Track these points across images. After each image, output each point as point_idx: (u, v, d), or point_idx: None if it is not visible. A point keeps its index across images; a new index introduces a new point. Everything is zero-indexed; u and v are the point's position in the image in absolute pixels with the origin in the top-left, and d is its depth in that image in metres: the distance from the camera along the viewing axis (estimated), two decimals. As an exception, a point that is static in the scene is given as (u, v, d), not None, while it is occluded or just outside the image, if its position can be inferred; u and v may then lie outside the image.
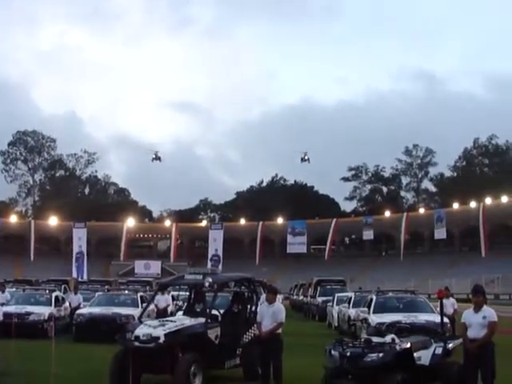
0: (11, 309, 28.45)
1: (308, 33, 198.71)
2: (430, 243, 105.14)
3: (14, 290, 36.58)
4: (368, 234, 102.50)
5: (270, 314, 16.10)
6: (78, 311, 29.67)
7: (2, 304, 25.53)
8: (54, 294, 32.26)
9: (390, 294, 27.92)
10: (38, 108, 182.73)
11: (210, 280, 16.67)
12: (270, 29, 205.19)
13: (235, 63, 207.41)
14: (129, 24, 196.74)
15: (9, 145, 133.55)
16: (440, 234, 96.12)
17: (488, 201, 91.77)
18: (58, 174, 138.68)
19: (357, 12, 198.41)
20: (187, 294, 19.88)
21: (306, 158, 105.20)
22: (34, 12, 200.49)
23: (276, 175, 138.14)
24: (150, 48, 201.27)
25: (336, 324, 34.43)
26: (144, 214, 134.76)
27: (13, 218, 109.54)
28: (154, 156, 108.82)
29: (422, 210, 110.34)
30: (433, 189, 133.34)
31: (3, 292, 31.78)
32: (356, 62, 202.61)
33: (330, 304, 38.17)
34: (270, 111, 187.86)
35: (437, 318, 20.40)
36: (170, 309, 28.92)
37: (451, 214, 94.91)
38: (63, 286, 41.06)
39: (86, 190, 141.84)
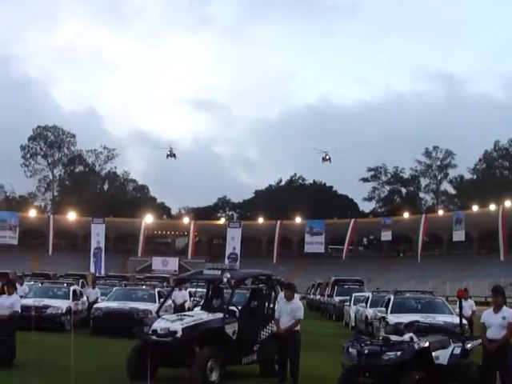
0: (29, 301, 28.56)
1: (328, 32, 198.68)
2: (448, 245, 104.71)
3: (32, 283, 36.77)
4: (386, 235, 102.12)
5: (289, 310, 16.11)
6: (96, 305, 29.76)
7: (21, 297, 25.64)
8: (71, 288, 32.37)
9: (408, 294, 27.84)
10: (57, 104, 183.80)
11: (229, 275, 16.65)
12: (290, 28, 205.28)
13: (255, 61, 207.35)
14: (148, 21, 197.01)
15: (29, 139, 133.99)
16: (458, 236, 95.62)
17: (508, 204, 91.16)
18: (77, 170, 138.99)
19: (377, 12, 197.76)
20: (204, 290, 19.92)
21: (328, 157, 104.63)
22: (52, 9, 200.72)
23: (295, 174, 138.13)
24: (170, 45, 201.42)
25: (353, 324, 34.37)
26: (162, 210, 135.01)
27: (32, 213, 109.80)
28: (168, 152, 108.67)
29: (440, 212, 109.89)
30: (452, 191, 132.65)
31: (21, 285, 31.90)
32: (376, 62, 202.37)
33: (348, 304, 38.10)
34: (289, 110, 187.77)
35: (455, 319, 20.29)
36: (187, 305, 28.99)
37: (470, 217, 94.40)
38: (81, 281, 41.20)
39: (105, 186, 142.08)
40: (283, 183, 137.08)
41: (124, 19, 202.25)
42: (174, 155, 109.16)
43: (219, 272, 17.11)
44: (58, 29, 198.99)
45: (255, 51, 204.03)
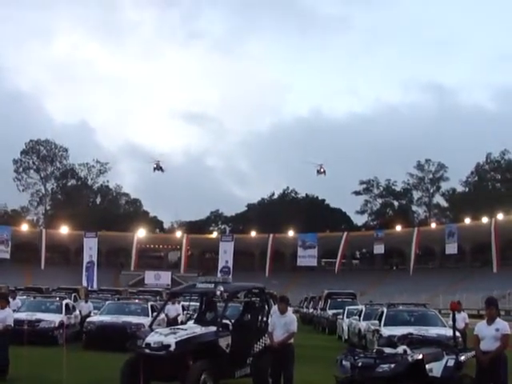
0: (22, 315, 28.50)
1: (319, 45, 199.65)
2: (441, 258, 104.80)
3: (25, 297, 36.66)
4: (379, 248, 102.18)
5: (282, 324, 16.10)
6: (89, 319, 29.69)
7: (13, 311, 25.55)
8: (64, 302, 32.28)
9: (401, 307, 27.87)
10: (50, 118, 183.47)
11: (222, 289, 16.63)
12: (281, 41, 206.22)
13: (246, 75, 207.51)
14: (140, 36, 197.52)
15: (21, 153, 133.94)
16: (451, 249, 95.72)
17: (500, 216, 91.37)
18: (69, 184, 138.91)
19: (367, 25, 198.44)
20: (197, 303, 19.90)
21: (323, 170, 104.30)
22: (45, 23, 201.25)
23: (287, 188, 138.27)
24: (162, 60, 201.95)
25: (346, 337, 34.35)
26: (155, 224, 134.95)
27: (24, 227, 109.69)
28: (155, 166, 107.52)
29: (433, 225, 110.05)
30: (444, 204, 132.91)
31: (14, 299, 31.76)
32: (366, 74, 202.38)
33: (341, 317, 38.10)
34: (280, 123, 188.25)
35: (448, 332, 20.34)
36: (180, 318, 28.94)
37: (463, 229, 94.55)
38: (73, 295, 41.10)
39: (98, 200, 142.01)
40: (276, 196, 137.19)
41: (117, 34, 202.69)
42: (161, 168, 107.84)
43: (212, 285, 17.09)
44: (52, 42, 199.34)
45: (246, 64, 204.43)
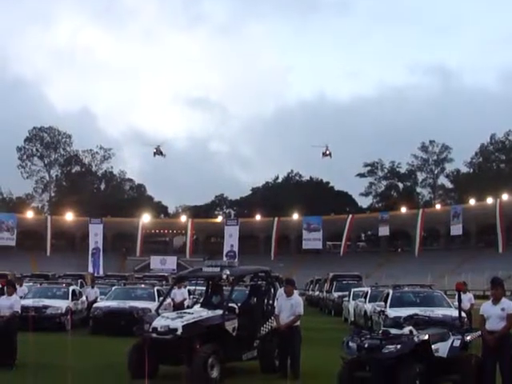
0: (29, 302, 28.65)
1: (322, 27, 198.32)
2: (446, 239, 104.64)
3: (31, 284, 36.80)
4: (384, 230, 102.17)
5: (289, 306, 16.22)
6: (95, 305, 29.81)
7: (20, 297, 25.64)
8: (71, 288, 32.43)
9: (407, 288, 27.92)
10: (51, 105, 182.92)
11: (228, 272, 16.69)
12: (284, 24, 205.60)
13: (249, 59, 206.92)
14: (142, 21, 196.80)
15: (25, 141, 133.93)
16: (456, 230, 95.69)
17: (505, 197, 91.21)
18: (74, 170, 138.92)
19: (371, 6, 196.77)
20: (203, 288, 19.94)
21: (328, 152, 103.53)
22: (47, 10, 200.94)
23: (291, 171, 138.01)
24: (164, 44, 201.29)
25: (352, 319, 34.44)
26: (160, 209, 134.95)
27: (29, 214, 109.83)
28: (155, 150, 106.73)
29: (438, 207, 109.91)
30: (449, 185, 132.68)
31: (21, 286, 31.86)
32: (370, 56, 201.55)
33: (346, 299, 38.21)
34: (284, 106, 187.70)
35: (454, 313, 20.38)
36: (186, 303, 29.00)
37: (468, 211, 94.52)
38: (80, 281, 41.24)
39: (102, 186, 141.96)
40: (280, 180, 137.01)
41: (118, 19, 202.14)
42: (161, 153, 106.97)
43: (218, 269, 17.15)
44: (52, 29, 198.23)
45: (249, 48, 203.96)
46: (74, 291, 32.34)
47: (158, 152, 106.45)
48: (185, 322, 15.38)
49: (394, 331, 12.97)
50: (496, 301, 12.70)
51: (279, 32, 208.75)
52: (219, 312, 16.13)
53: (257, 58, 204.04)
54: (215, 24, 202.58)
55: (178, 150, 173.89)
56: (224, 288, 18.30)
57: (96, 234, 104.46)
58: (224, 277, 16.81)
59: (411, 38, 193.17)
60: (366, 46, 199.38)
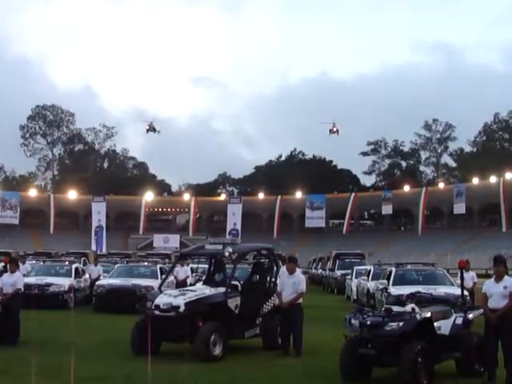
0: (32, 280, 28.76)
1: (324, 6, 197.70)
2: (449, 218, 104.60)
3: (34, 262, 36.86)
4: (387, 209, 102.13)
5: (291, 284, 16.25)
6: (98, 282, 29.89)
7: (23, 275, 25.71)
8: (73, 266, 32.46)
9: (410, 266, 27.92)
10: (53, 83, 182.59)
11: (230, 250, 16.74)
12: (287, 2, 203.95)
13: (252, 37, 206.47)
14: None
15: (28, 119, 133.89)
16: (459, 208, 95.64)
17: (508, 176, 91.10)
18: (76, 149, 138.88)
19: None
20: (206, 266, 19.97)
21: (335, 129, 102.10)
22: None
23: (295, 149, 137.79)
24: (167, 22, 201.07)
25: (355, 297, 34.48)
26: (163, 188, 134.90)
27: (32, 192, 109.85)
28: (147, 127, 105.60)
29: (441, 185, 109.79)
30: (452, 164, 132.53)
31: (24, 264, 31.91)
32: (373, 34, 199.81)
33: (349, 277, 38.25)
34: (287, 85, 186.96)
35: (456, 291, 20.40)
36: (189, 280, 29.04)
37: (471, 189, 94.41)
38: (83, 259, 41.26)
39: (105, 164, 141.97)
40: (283, 158, 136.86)
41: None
42: (154, 129, 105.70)
43: (221, 246, 17.19)
44: (53, 6, 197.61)
45: (252, 26, 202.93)
46: (76, 269, 32.38)
47: (151, 129, 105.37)
48: (187, 300, 15.44)
49: (396, 309, 12.98)
50: (498, 279, 12.71)
51: (282, 10, 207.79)
52: (222, 289, 16.18)
53: (260, 36, 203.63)
54: (219, 2, 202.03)
55: (181, 128, 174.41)
56: (227, 266, 18.34)
57: (99, 212, 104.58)
58: (226, 254, 16.86)
59: (414, 16, 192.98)
60: (369, 24, 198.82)
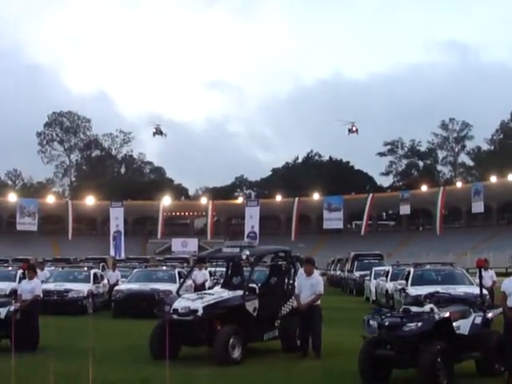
0: (51, 286, 28.91)
1: (337, 6, 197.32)
2: (468, 217, 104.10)
3: (53, 268, 37.00)
4: (405, 209, 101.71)
5: (309, 285, 16.22)
6: (117, 287, 29.94)
7: (42, 282, 25.85)
8: (92, 272, 32.58)
9: (428, 266, 27.84)
10: (67, 89, 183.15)
11: (248, 252, 16.72)
12: (299, 3, 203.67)
13: (265, 39, 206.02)
14: (159, 2, 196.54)
15: (45, 126, 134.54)
16: (477, 207, 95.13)
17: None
18: (93, 154, 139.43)
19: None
20: (224, 269, 19.96)
21: (355, 129, 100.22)
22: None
23: (311, 151, 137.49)
24: (181, 26, 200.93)
25: (374, 298, 34.43)
26: (180, 192, 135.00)
27: (50, 199, 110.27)
28: (154, 130, 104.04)
29: (459, 184, 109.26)
30: (470, 162, 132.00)
31: (42, 270, 32.04)
32: (387, 33, 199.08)
33: (368, 278, 38.16)
34: (301, 86, 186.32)
35: (475, 290, 20.27)
36: (207, 284, 29.04)
37: (489, 188, 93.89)
38: (101, 264, 41.37)
39: (122, 170, 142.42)
40: (300, 160, 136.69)
41: (134, 1, 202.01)
42: (161, 132, 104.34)
43: (238, 249, 17.18)
44: (67, 12, 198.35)
45: (265, 29, 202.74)
46: (95, 274, 32.49)
47: (158, 131, 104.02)
48: (205, 303, 15.44)
49: (414, 309, 12.91)
50: (517, 277, 12.63)
51: (294, 12, 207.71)
52: (239, 292, 16.17)
53: (273, 39, 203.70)
54: (232, 5, 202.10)
55: (196, 132, 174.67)
56: (244, 269, 18.33)
57: (117, 217, 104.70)
58: (243, 257, 16.84)
59: (427, 15, 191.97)
60: (382, 23, 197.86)
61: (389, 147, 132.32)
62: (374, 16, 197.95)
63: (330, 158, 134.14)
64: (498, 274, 30.37)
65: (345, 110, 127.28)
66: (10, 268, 33.99)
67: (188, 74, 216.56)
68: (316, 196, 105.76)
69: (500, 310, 13.40)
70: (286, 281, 17.79)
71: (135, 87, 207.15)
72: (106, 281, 33.30)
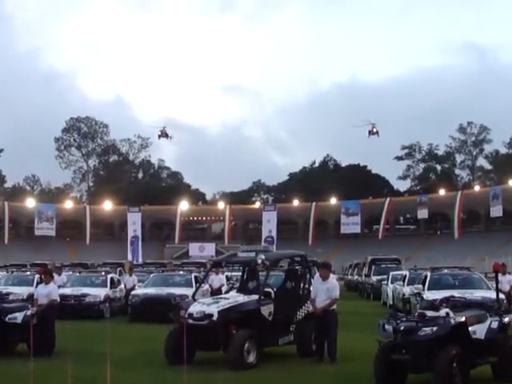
0: (68, 291, 29.09)
1: (353, 10, 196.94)
2: (486, 221, 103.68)
3: (71, 273, 37.17)
4: (423, 213, 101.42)
5: (325, 290, 16.20)
6: (133, 292, 30.02)
7: (59, 286, 25.98)
8: (109, 276, 32.73)
9: (445, 270, 27.74)
10: (84, 95, 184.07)
11: (263, 257, 16.72)
12: (315, 7, 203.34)
13: (281, 44, 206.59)
14: (175, 8, 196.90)
15: (62, 131, 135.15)
16: (496, 211, 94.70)
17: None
18: (111, 160, 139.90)
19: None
20: (240, 273, 19.97)
21: (375, 130, 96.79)
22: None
23: (327, 155, 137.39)
24: (196, 31, 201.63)
25: (391, 302, 34.36)
26: (197, 196, 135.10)
27: (68, 204, 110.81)
28: (159, 133, 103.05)
29: (477, 188, 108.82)
30: (488, 166, 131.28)
31: (60, 275, 32.17)
32: (403, 36, 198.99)
33: (385, 282, 38.08)
34: (317, 90, 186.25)
35: (493, 295, 20.15)
36: (224, 289, 29.06)
37: (507, 191, 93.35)
38: (118, 269, 41.52)
39: (140, 175, 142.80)
40: (317, 164, 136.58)
41: (149, 6, 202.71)
42: (167, 135, 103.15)
43: (254, 254, 17.19)
44: (84, 18, 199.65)
45: (281, 33, 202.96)
46: (112, 279, 32.63)
47: (164, 134, 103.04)
48: (220, 308, 15.45)
49: (430, 313, 12.85)
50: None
51: (310, 16, 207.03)
52: (255, 297, 16.18)
53: (289, 43, 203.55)
54: (247, 10, 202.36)
55: (213, 137, 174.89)
56: (260, 273, 18.33)
57: (134, 222, 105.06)
58: (259, 262, 16.83)
59: (443, 17, 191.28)
60: (398, 26, 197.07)
61: (406, 151, 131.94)
62: (390, 19, 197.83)
63: (347, 162, 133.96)
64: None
65: (361, 113, 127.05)
66: (28, 273, 34.29)
67: (204, 78, 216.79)
68: (333, 200, 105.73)
69: (517, 314, 13.33)
70: (302, 285, 17.77)
71: (152, 92, 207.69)
72: (122, 285, 33.42)
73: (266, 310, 16.09)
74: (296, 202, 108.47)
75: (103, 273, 34.13)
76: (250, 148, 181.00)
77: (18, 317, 17.16)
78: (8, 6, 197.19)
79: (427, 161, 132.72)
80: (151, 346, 18.50)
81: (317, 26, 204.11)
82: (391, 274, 38.02)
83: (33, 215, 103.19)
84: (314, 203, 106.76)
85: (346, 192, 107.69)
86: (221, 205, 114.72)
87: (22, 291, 29.20)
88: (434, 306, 13.38)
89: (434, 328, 12.14)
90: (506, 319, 13.78)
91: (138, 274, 36.51)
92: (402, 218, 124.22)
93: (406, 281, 31.25)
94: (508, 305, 21.72)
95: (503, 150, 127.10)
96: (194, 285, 28.87)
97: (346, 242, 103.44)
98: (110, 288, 31.32)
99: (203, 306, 15.67)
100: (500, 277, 16.22)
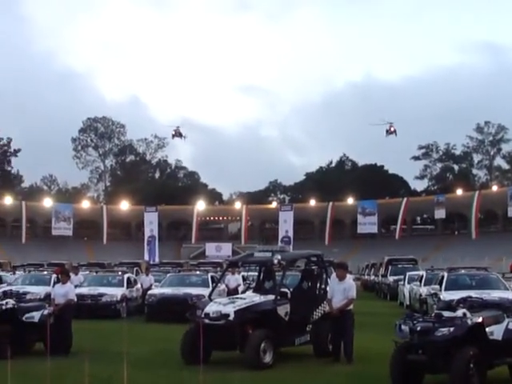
0: (85, 290, 29.18)
1: (369, 9, 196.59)
2: (504, 221, 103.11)
3: (88, 272, 37.30)
4: (440, 213, 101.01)
5: (341, 290, 16.17)
6: (150, 292, 30.07)
7: (76, 286, 26.07)
8: (126, 276, 32.80)
9: (462, 271, 27.62)
10: (101, 95, 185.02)
11: (279, 257, 16.69)
12: (331, 7, 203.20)
13: (297, 44, 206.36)
14: (191, 8, 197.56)
15: (79, 131, 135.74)
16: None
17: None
18: (128, 159, 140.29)
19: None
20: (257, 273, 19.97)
21: (393, 129, 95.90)
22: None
23: (344, 155, 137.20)
24: (213, 32, 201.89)
25: (407, 303, 34.25)
26: (214, 196, 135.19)
27: (85, 204, 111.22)
28: (173, 132, 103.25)
29: (494, 188, 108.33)
30: (506, 166, 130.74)
31: (76, 274, 32.29)
32: (419, 35, 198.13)
33: (402, 283, 37.96)
34: (333, 89, 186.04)
35: (510, 295, 20.09)
36: (240, 288, 29.07)
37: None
38: (135, 269, 41.62)
39: (157, 175, 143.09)
40: (333, 164, 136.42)
41: (166, 6, 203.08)
42: (181, 135, 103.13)
43: (270, 254, 17.17)
44: (100, 18, 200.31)
45: (297, 34, 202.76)
46: (128, 279, 32.70)
47: (177, 134, 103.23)
48: (237, 308, 15.45)
49: (446, 314, 12.79)
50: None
51: (326, 15, 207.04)
52: (271, 297, 16.16)
53: (305, 42, 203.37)
54: (264, 10, 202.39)
55: (230, 137, 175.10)
56: (276, 273, 18.31)
57: (151, 222, 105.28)
58: (275, 262, 16.81)
59: (461, 16, 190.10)
60: (415, 25, 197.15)
61: (423, 151, 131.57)
62: (406, 17, 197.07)
63: (364, 162, 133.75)
64: (534, 279, 30.09)
65: (377, 113, 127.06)
66: (45, 272, 34.44)
67: (221, 78, 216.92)
68: (350, 200, 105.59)
69: (534, 315, 13.24)
70: (318, 285, 17.75)
71: (168, 92, 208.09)
72: (139, 285, 33.49)
73: (283, 310, 16.08)
74: (313, 202, 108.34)
75: (120, 272, 34.20)
76: (266, 148, 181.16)
77: (36, 316, 17.26)
78: (26, 7, 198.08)
79: (444, 160, 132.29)
80: (168, 346, 18.52)
81: (332, 25, 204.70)
82: (408, 274, 37.92)
83: (50, 215, 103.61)
84: (330, 203, 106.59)
85: (362, 192, 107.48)
86: (237, 205, 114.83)
87: (39, 291, 29.36)
88: (450, 306, 13.33)
89: (451, 328, 12.08)
90: (524, 320, 13.69)
91: (154, 274, 36.61)
92: (419, 218, 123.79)
93: (423, 281, 31.13)
94: (525, 305, 21.59)
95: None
96: (210, 285, 28.91)
97: (363, 242, 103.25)
98: (127, 288, 31.38)
99: (219, 306, 15.68)
100: (518, 277, 16.15)
